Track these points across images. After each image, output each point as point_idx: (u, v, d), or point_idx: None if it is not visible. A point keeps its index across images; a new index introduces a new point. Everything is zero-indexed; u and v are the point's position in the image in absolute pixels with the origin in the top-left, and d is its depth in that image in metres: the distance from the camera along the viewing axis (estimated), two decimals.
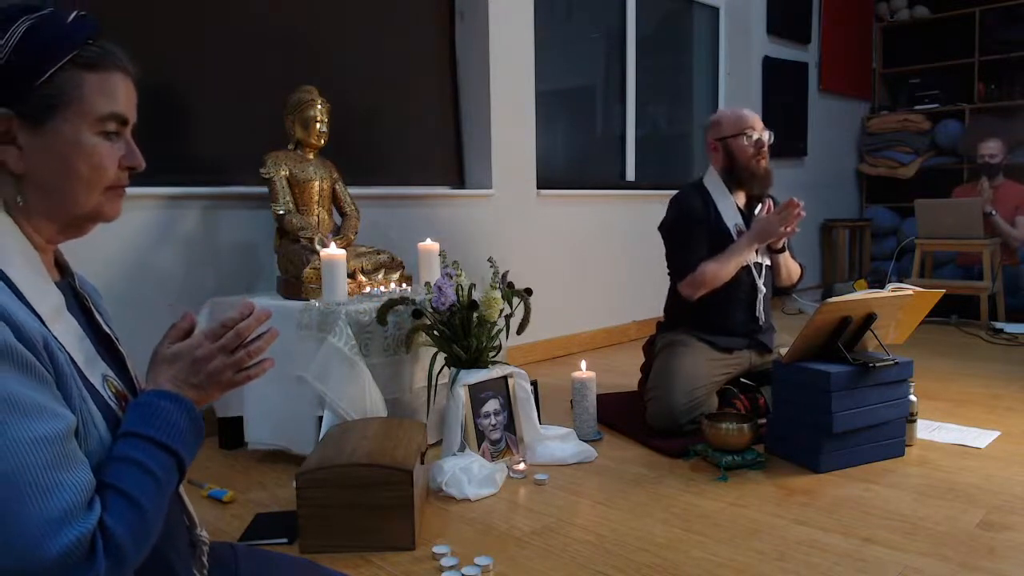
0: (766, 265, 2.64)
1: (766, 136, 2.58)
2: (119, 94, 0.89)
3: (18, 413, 0.71)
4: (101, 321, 0.96)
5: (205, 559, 1.00)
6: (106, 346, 0.95)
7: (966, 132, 5.84)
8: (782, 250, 2.64)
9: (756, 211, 2.65)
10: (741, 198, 2.65)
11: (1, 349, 0.72)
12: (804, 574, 1.54)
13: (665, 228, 2.69)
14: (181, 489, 0.99)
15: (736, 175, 2.60)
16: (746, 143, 2.56)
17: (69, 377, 0.79)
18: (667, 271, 2.68)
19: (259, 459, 2.32)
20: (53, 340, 0.80)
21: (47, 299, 0.85)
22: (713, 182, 2.64)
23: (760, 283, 2.60)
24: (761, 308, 2.61)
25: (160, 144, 2.54)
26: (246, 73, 2.75)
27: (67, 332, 0.85)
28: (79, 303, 0.95)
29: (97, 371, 0.88)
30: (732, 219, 2.60)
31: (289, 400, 2.20)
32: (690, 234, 2.57)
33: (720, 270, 2.51)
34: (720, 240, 2.56)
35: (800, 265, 2.77)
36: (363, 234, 2.72)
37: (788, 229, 2.47)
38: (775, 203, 2.62)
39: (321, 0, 3.00)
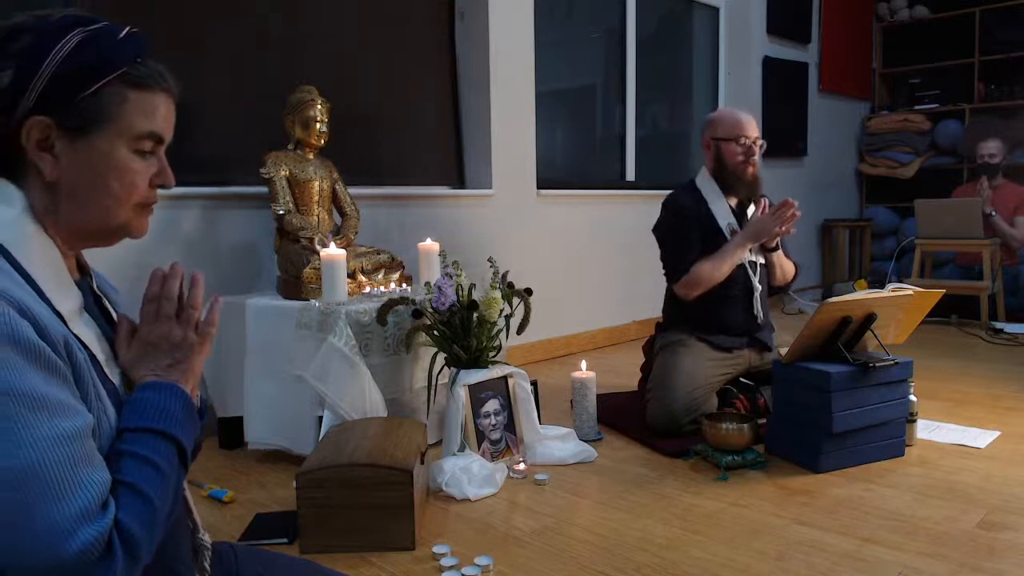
0: (761, 263, 2.64)
1: (758, 145, 2.58)
2: (159, 114, 0.90)
3: (43, 411, 0.72)
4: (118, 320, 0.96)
5: (207, 564, 1.00)
6: None
7: (966, 132, 5.84)
8: (775, 249, 2.64)
9: (750, 211, 2.65)
10: (733, 199, 2.65)
11: (26, 347, 0.72)
12: (804, 574, 1.54)
13: (658, 230, 2.69)
14: (187, 492, 0.99)
15: (723, 178, 2.60)
16: (737, 148, 2.56)
17: (87, 375, 0.80)
18: (662, 272, 2.69)
19: (259, 459, 2.32)
20: (73, 339, 0.80)
21: (68, 299, 0.85)
22: (705, 182, 2.64)
23: (755, 281, 2.60)
24: (758, 306, 2.61)
25: None
26: (246, 73, 2.75)
27: (86, 331, 0.86)
28: (97, 303, 0.95)
29: (116, 370, 0.89)
30: (725, 219, 2.59)
31: (289, 400, 2.20)
32: (683, 235, 2.57)
33: (714, 270, 2.51)
34: (713, 240, 2.56)
35: (795, 264, 2.77)
36: (363, 234, 2.72)
37: (783, 229, 2.47)
38: (771, 203, 2.62)
39: (321, 0, 3.00)
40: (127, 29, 0.88)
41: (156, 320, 0.92)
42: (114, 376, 0.87)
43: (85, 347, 0.83)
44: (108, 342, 0.90)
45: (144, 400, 0.85)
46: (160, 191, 0.95)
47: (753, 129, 2.59)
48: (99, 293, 0.97)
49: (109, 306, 0.97)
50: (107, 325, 0.93)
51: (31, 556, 0.68)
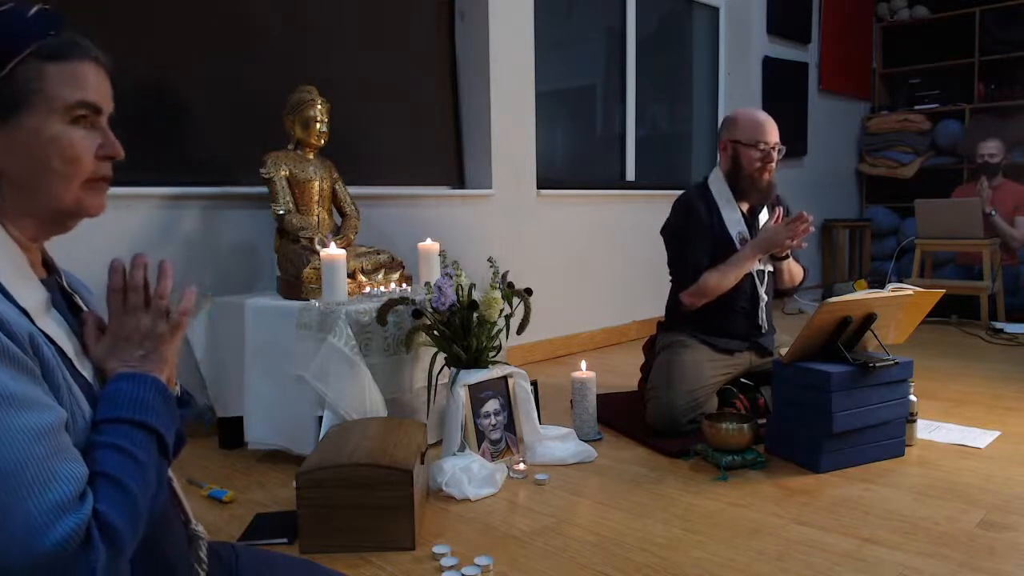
0: (768, 272, 2.62)
1: (776, 152, 2.52)
2: (88, 82, 0.87)
3: (12, 407, 0.71)
4: None
5: (203, 554, 1.00)
6: None
7: (966, 132, 5.84)
8: (785, 257, 2.62)
9: (763, 218, 2.63)
10: (745, 204, 2.62)
11: None
12: (804, 574, 1.54)
13: (668, 232, 2.67)
14: (175, 484, 0.99)
15: (738, 181, 2.56)
16: (755, 154, 2.50)
17: (56, 371, 0.79)
18: (669, 276, 2.67)
19: (259, 459, 2.32)
20: (40, 335, 0.80)
21: (32, 295, 0.84)
22: (718, 185, 2.60)
23: (762, 291, 2.58)
24: (763, 315, 2.60)
25: (161, 144, 2.54)
26: (246, 73, 2.75)
27: (55, 328, 0.85)
28: (67, 300, 0.94)
29: (88, 364, 0.88)
30: (735, 226, 2.56)
31: (289, 400, 2.20)
32: (692, 241, 2.54)
33: (723, 280, 2.49)
34: (722, 247, 2.53)
35: (803, 268, 2.76)
36: (363, 234, 2.72)
37: (795, 243, 2.44)
38: (787, 211, 2.59)
39: (321, 0, 3.01)
40: (37, 7, 0.86)
41: (124, 312, 0.91)
42: (86, 371, 0.87)
43: (53, 343, 0.83)
44: (79, 338, 0.90)
45: (118, 391, 0.85)
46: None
47: (774, 134, 2.53)
48: (68, 290, 0.96)
49: (81, 303, 0.96)
50: (77, 322, 0.93)
51: (9, 554, 0.67)
